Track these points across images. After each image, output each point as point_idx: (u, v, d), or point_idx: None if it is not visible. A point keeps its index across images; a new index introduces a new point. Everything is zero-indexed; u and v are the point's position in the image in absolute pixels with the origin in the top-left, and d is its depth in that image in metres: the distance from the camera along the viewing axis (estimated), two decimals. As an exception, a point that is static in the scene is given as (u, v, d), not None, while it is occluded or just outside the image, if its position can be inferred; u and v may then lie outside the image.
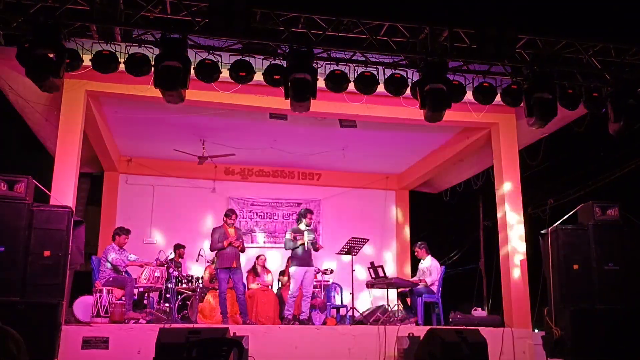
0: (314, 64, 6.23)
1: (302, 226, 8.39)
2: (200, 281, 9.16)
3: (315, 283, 9.65)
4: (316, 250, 8.46)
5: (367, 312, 8.79)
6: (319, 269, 9.91)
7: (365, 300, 10.72)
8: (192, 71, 6.10)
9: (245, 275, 9.03)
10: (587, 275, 6.47)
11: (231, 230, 8.37)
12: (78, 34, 6.05)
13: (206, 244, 8.92)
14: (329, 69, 6.46)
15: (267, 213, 11.97)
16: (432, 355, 5.56)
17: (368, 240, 9.49)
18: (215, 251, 8.32)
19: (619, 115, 6.70)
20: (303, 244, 8.21)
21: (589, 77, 6.88)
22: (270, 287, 9.45)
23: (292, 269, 8.34)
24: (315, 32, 6.35)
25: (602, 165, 11.18)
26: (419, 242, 9.35)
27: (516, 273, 8.06)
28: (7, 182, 6.06)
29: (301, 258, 8.23)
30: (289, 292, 8.21)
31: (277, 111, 8.29)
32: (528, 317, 7.88)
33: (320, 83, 6.33)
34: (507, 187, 8.44)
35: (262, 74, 6.29)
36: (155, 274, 8.30)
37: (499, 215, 8.56)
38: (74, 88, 7.39)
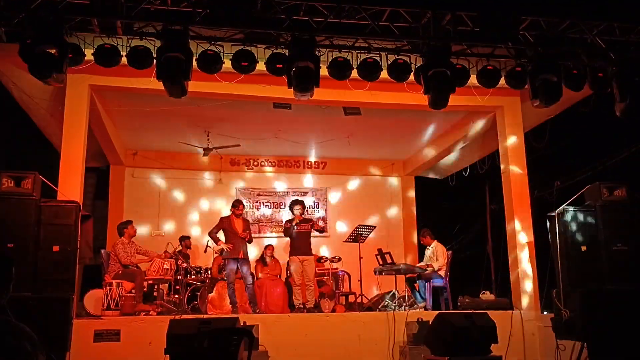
0: (316, 52, 6.19)
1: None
2: (209, 272, 9.20)
3: (323, 271, 9.70)
4: (320, 230, 8.52)
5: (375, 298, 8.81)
6: (326, 257, 9.92)
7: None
8: (195, 62, 6.10)
9: (253, 265, 9.07)
10: (596, 256, 6.45)
11: (239, 221, 8.40)
12: (79, 28, 6.05)
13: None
14: (332, 56, 6.43)
15: (273, 203, 11.99)
16: (442, 339, 5.59)
17: (375, 227, 9.49)
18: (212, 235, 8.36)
19: (625, 95, 6.63)
20: (297, 223, 8.32)
21: (593, 57, 6.80)
22: (278, 276, 9.49)
23: (289, 258, 8.43)
24: (316, 20, 6.29)
25: (608, 145, 11.09)
26: (423, 230, 9.35)
27: (524, 256, 8.06)
28: (14, 179, 6.08)
29: (296, 247, 8.32)
30: (294, 281, 8.28)
31: (281, 100, 8.27)
32: (536, 300, 7.89)
33: (323, 71, 6.31)
34: (513, 170, 8.40)
35: (265, 63, 6.26)
36: (164, 266, 8.36)
37: (505, 198, 8.54)
38: (77, 83, 7.40)
